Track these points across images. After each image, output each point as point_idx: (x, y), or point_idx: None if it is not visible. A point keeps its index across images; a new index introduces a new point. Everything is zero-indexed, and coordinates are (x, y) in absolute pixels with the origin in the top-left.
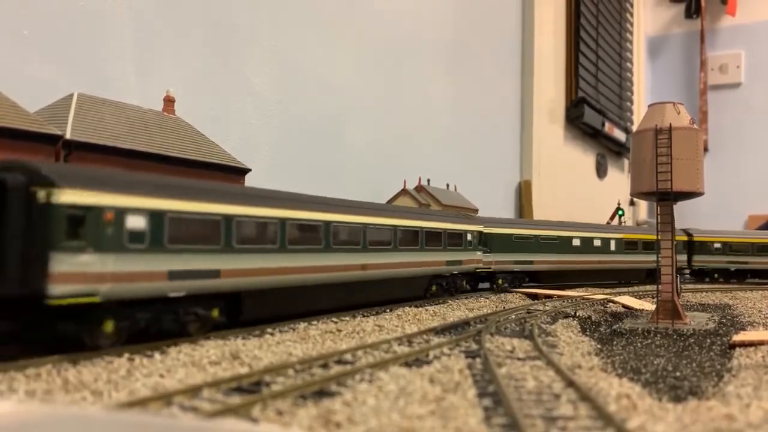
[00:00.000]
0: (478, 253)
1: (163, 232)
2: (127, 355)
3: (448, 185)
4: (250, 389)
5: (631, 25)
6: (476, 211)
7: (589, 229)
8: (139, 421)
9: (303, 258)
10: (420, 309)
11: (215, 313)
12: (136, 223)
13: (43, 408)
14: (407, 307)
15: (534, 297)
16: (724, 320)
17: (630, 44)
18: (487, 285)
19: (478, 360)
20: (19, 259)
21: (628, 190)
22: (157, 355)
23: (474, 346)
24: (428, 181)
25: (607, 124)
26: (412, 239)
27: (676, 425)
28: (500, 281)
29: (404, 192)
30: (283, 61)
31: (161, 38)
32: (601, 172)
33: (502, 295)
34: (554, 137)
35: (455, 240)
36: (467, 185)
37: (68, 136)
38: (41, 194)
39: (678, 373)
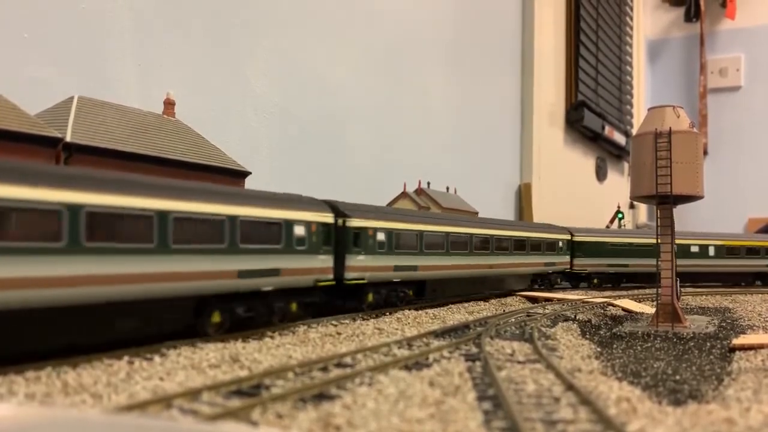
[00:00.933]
0: (567, 257)
1: (392, 242)
2: (126, 357)
3: (447, 188)
4: (249, 392)
5: (631, 28)
6: (476, 213)
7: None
8: (139, 424)
9: (458, 258)
10: (420, 312)
11: (411, 292)
12: (381, 236)
13: (43, 411)
14: (407, 310)
15: (534, 300)
16: (724, 323)
17: (630, 47)
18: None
19: (478, 363)
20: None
21: (628, 193)
22: (157, 358)
23: (474, 350)
24: (428, 183)
25: (607, 128)
26: (521, 246)
27: (676, 429)
28: (595, 281)
29: (404, 195)
30: (284, 64)
31: (161, 41)
32: (600, 175)
33: (502, 298)
34: (554, 140)
35: (550, 247)
36: (467, 188)
37: (68, 138)
38: (340, 221)
39: (678, 377)
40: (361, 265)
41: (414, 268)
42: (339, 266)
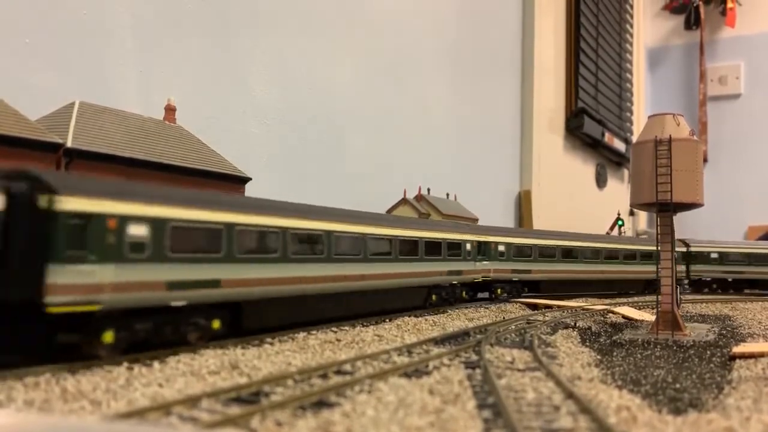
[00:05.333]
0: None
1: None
2: (126, 364)
3: (448, 194)
4: (249, 400)
5: (631, 36)
6: (476, 220)
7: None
8: (138, 431)
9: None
10: (419, 319)
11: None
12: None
13: (42, 418)
14: (407, 317)
15: (534, 307)
16: (724, 331)
17: (630, 55)
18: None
19: (477, 371)
20: None
21: (627, 200)
22: (156, 365)
23: (474, 357)
24: (428, 190)
25: (607, 135)
26: (632, 256)
27: None
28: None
29: (404, 201)
30: (284, 70)
31: (162, 47)
32: (600, 182)
33: (502, 305)
34: (554, 147)
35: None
36: (467, 195)
37: (69, 144)
38: None
39: (678, 385)
40: None
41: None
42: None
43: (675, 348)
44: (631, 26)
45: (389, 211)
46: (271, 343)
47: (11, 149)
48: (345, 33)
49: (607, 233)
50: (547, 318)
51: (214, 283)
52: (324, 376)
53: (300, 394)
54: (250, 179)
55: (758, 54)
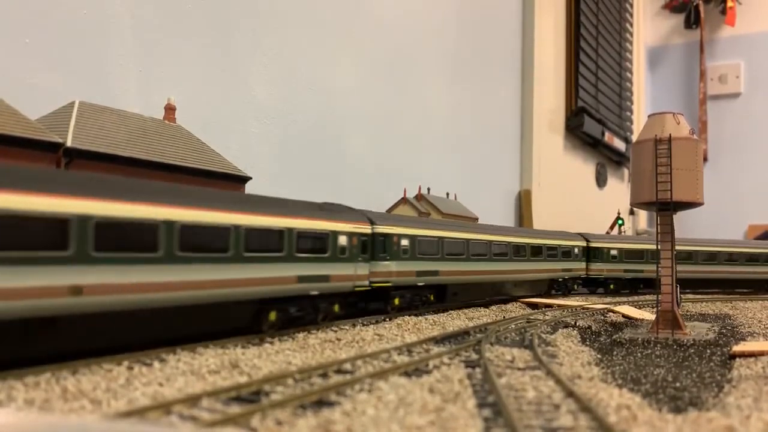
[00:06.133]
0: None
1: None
2: (126, 363)
3: (448, 194)
4: (249, 399)
5: (631, 35)
6: (476, 220)
7: None
8: (138, 430)
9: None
10: (420, 318)
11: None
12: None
13: (42, 417)
14: (407, 316)
15: (534, 306)
16: (724, 330)
17: (630, 54)
18: None
19: (477, 370)
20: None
21: (628, 199)
22: (156, 364)
23: (474, 356)
24: (428, 189)
25: (607, 134)
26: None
27: None
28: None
29: (404, 201)
30: (284, 69)
31: (163, 46)
32: (600, 181)
33: (502, 304)
34: (554, 146)
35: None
36: (467, 194)
37: (69, 143)
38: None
39: (678, 384)
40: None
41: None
42: None
43: (675, 347)
44: (631, 25)
45: (389, 210)
46: (271, 343)
47: (11, 149)
48: (345, 33)
49: (607, 232)
50: (547, 317)
51: (435, 273)
52: (324, 375)
53: (300, 393)
54: (251, 178)
55: (758, 53)
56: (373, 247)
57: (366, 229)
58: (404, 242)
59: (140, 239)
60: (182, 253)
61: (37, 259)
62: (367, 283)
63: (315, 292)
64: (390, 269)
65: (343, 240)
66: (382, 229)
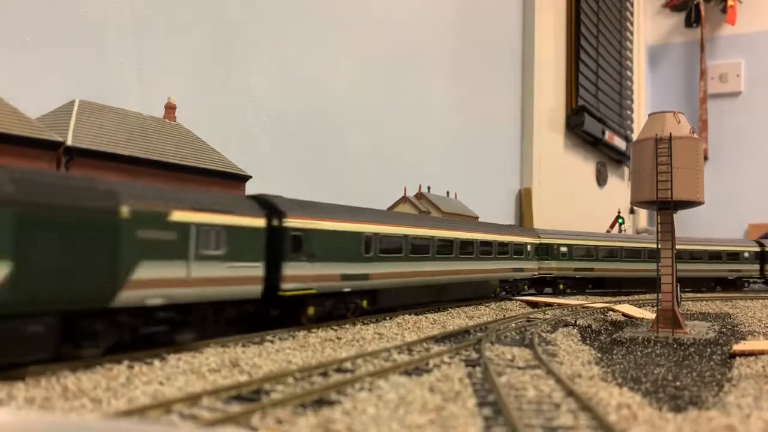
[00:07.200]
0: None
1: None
2: (126, 362)
3: (448, 192)
4: (249, 397)
5: (632, 33)
6: (476, 218)
7: None
8: (138, 429)
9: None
10: (420, 317)
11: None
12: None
13: (42, 416)
14: (407, 315)
15: (534, 305)
16: (724, 329)
17: (630, 53)
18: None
19: (478, 369)
20: None
21: (628, 198)
22: (157, 363)
23: (474, 355)
24: (428, 188)
25: (608, 133)
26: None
27: None
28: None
29: (404, 199)
30: (284, 69)
31: (162, 46)
32: (601, 180)
33: (502, 303)
34: (554, 145)
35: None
36: (467, 193)
37: (69, 142)
38: None
39: (678, 383)
40: None
41: None
42: None
43: (675, 346)
44: (632, 24)
45: (390, 209)
46: (272, 341)
47: (11, 147)
48: (345, 32)
49: (608, 231)
50: (547, 316)
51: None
52: (324, 374)
53: (300, 392)
54: (251, 177)
55: (759, 52)
56: (538, 251)
57: (536, 240)
58: (562, 249)
59: (446, 248)
60: (464, 255)
61: (358, 257)
62: (537, 273)
63: (517, 277)
64: (550, 266)
65: (529, 247)
66: (546, 239)
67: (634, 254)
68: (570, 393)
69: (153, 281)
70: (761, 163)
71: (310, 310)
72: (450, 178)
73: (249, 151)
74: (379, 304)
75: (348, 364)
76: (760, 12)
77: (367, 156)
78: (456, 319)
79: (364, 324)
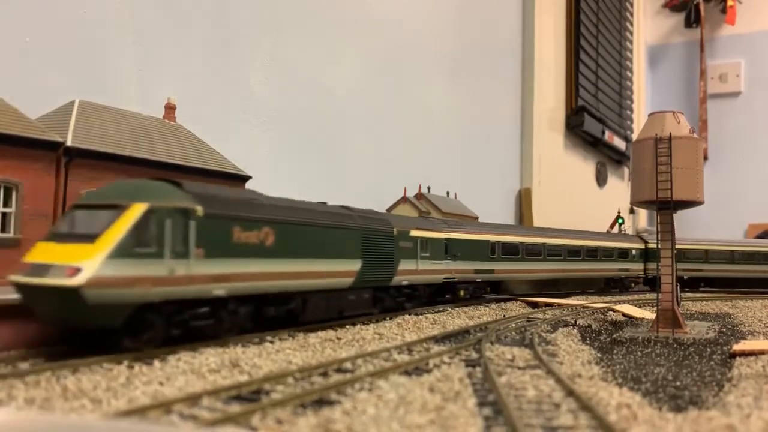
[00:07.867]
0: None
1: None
2: (126, 362)
3: (448, 193)
4: (249, 398)
5: (631, 34)
6: (476, 218)
7: None
8: (138, 429)
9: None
10: (420, 317)
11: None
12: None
13: (42, 416)
14: (407, 315)
15: (534, 305)
16: (724, 329)
17: (630, 53)
18: None
19: (478, 369)
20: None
21: (628, 198)
22: (157, 363)
23: (474, 355)
24: (428, 188)
25: (607, 133)
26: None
27: None
28: None
29: (404, 199)
30: (284, 69)
31: (162, 46)
32: (601, 180)
33: (502, 303)
34: (554, 145)
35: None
36: (467, 193)
37: (69, 143)
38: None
39: (678, 383)
40: None
41: None
42: None
43: (675, 346)
44: (632, 24)
45: (389, 209)
46: (272, 342)
47: (11, 148)
48: (345, 32)
49: (608, 231)
50: (547, 316)
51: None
52: (324, 374)
53: (300, 392)
54: (251, 177)
55: (758, 52)
56: (644, 255)
57: (641, 245)
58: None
59: (556, 252)
60: (571, 258)
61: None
62: (643, 272)
63: (623, 276)
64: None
65: (634, 251)
66: (651, 245)
67: (747, 257)
68: (570, 393)
69: (403, 271)
70: (761, 163)
71: (461, 292)
72: (450, 178)
73: (249, 151)
74: (501, 292)
75: (348, 364)
76: (760, 12)
77: (367, 156)
78: (456, 319)
79: (364, 324)
